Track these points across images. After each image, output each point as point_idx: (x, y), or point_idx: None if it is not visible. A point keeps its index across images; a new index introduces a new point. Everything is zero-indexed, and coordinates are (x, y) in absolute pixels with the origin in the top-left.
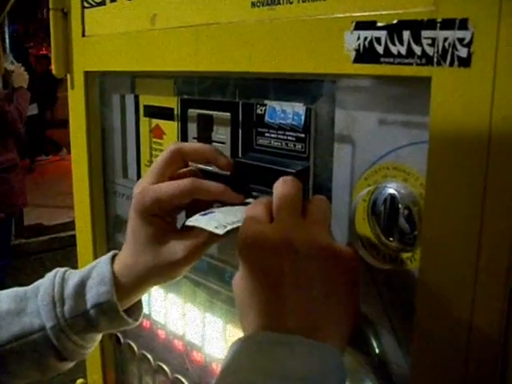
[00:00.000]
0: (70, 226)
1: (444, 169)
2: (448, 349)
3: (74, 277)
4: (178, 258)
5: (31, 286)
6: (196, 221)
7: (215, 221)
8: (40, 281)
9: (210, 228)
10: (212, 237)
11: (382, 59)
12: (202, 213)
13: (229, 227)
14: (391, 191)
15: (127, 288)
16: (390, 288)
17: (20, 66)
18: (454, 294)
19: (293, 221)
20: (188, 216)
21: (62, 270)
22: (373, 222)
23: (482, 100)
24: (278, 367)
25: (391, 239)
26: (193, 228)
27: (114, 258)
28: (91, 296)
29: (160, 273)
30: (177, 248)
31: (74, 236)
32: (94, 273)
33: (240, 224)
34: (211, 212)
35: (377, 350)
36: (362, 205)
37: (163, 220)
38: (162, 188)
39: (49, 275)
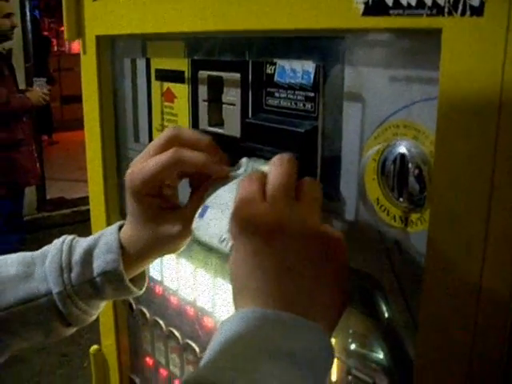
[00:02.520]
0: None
1: (454, 126)
2: (456, 312)
3: (81, 244)
4: (175, 232)
5: (38, 251)
6: (198, 228)
7: (214, 231)
8: (47, 247)
9: (215, 244)
10: None
11: (392, 11)
12: (199, 212)
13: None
14: (401, 150)
15: (132, 258)
16: (399, 249)
17: (46, 89)
18: (464, 254)
19: (287, 203)
20: (191, 184)
21: (70, 237)
22: (382, 182)
23: (494, 51)
24: (268, 342)
25: (401, 199)
26: (187, 201)
27: (120, 228)
28: (98, 264)
29: (161, 246)
30: (170, 225)
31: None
32: (101, 241)
33: None
34: (205, 208)
35: (386, 314)
36: (372, 164)
37: (157, 197)
38: (146, 167)
39: (56, 242)
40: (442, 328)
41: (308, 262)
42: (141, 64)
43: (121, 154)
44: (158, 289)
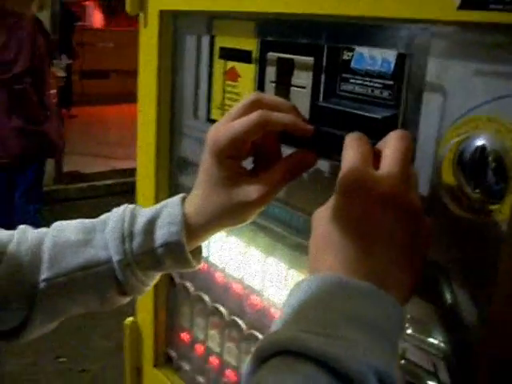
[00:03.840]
0: (107, 175)
1: None
2: None
3: (143, 214)
4: (252, 199)
5: (98, 218)
6: None
7: None
8: (107, 214)
9: None
10: (285, 179)
11: (492, 6)
12: None
13: None
14: (481, 142)
15: (196, 230)
16: (469, 238)
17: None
18: None
19: (403, 178)
20: (256, 164)
21: (131, 206)
22: (458, 173)
23: None
24: (350, 310)
25: (477, 191)
26: (265, 170)
27: (183, 200)
28: (161, 235)
29: (232, 214)
30: (250, 189)
31: (109, 185)
32: (164, 212)
33: None
34: None
35: (448, 300)
36: (449, 155)
37: (237, 162)
38: (234, 125)
39: (117, 210)
40: None
41: (402, 238)
42: (205, 41)
43: (175, 130)
44: (203, 265)
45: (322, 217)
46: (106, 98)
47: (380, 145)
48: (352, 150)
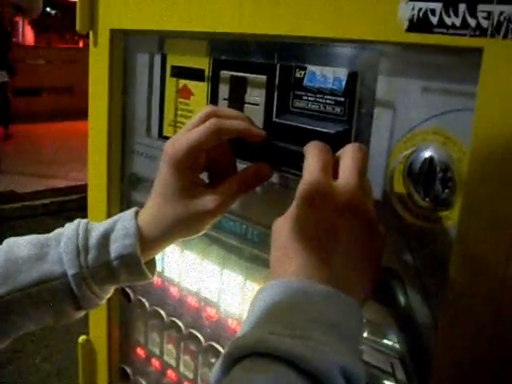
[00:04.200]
0: (44, 194)
1: (489, 136)
2: (480, 306)
3: (97, 228)
4: (208, 208)
5: (51, 233)
6: None
7: None
8: (60, 229)
9: None
10: (241, 189)
11: (436, 29)
12: None
13: None
14: (429, 154)
15: (151, 242)
16: (421, 244)
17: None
18: (491, 251)
19: (360, 188)
20: (211, 177)
21: (85, 220)
22: (408, 183)
23: None
24: (315, 313)
25: (426, 199)
26: (221, 182)
27: (136, 213)
28: (115, 248)
29: (187, 225)
30: (207, 200)
31: (46, 205)
32: (118, 226)
33: None
34: None
35: (402, 304)
36: (399, 167)
37: (194, 173)
38: (191, 135)
39: (70, 225)
40: (464, 321)
41: (358, 245)
42: (156, 59)
43: (127, 147)
44: (157, 280)
45: (282, 226)
46: (37, 115)
47: (337, 156)
48: (313, 159)
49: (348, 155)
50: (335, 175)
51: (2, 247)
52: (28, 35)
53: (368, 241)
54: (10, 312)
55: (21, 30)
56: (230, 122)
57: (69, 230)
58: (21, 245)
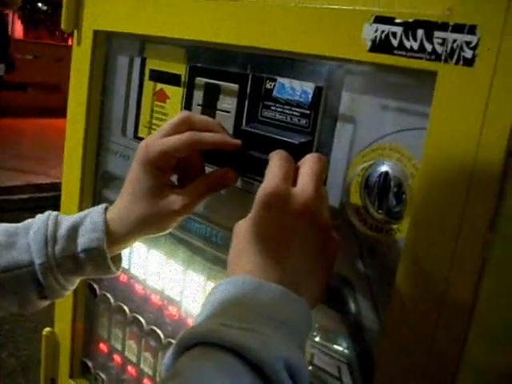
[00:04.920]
0: (22, 189)
1: (438, 153)
2: (422, 314)
3: (66, 220)
4: (175, 208)
5: (21, 223)
6: None
7: None
8: (30, 220)
9: None
10: (207, 191)
11: (396, 51)
12: None
13: None
14: (385, 168)
15: (118, 237)
16: (372, 254)
17: None
18: (433, 263)
19: (317, 196)
20: (180, 179)
21: (55, 212)
22: (364, 195)
23: (479, 95)
24: (265, 309)
25: (380, 211)
26: (187, 182)
27: (106, 209)
28: (83, 240)
29: (154, 223)
30: (174, 199)
31: (24, 200)
32: (87, 220)
33: None
34: None
35: (353, 310)
36: (357, 179)
37: (164, 174)
38: (165, 142)
39: (41, 216)
40: (407, 328)
41: (312, 250)
42: (136, 62)
43: (102, 145)
44: (123, 276)
45: (241, 228)
46: (22, 110)
47: (299, 164)
48: (275, 166)
49: (307, 164)
50: (295, 183)
51: None
52: (17, 30)
53: (321, 246)
54: None
55: (10, 24)
56: (206, 136)
57: (39, 221)
58: None
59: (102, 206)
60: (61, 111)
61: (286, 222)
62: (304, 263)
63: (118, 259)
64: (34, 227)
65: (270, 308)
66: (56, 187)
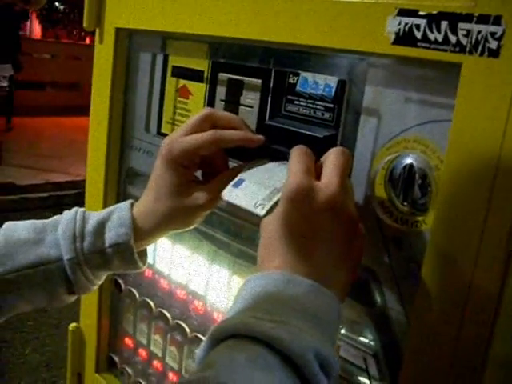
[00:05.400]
0: (42, 187)
1: (464, 145)
2: (448, 306)
3: (93, 216)
4: (199, 203)
5: (49, 219)
6: (231, 196)
7: (250, 198)
8: (58, 216)
9: (250, 208)
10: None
11: (419, 44)
12: (233, 183)
13: (267, 206)
14: (410, 160)
15: (144, 232)
16: (398, 247)
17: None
18: (459, 255)
19: (341, 190)
20: (205, 175)
21: (82, 209)
22: (389, 188)
23: (505, 87)
24: (295, 303)
25: (405, 204)
26: (212, 178)
27: (132, 205)
28: (110, 236)
29: (178, 218)
30: (199, 195)
31: (43, 198)
32: (114, 215)
33: (275, 198)
34: (241, 181)
35: (379, 302)
36: (381, 172)
37: (188, 171)
38: (188, 140)
39: (68, 212)
40: (433, 319)
41: (339, 244)
42: (158, 59)
43: (125, 142)
44: (148, 271)
45: (270, 223)
46: (41, 110)
47: (322, 159)
48: (297, 161)
49: (331, 158)
50: (319, 177)
51: (1, 230)
52: (35, 29)
53: (348, 239)
54: (6, 291)
55: (28, 23)
56: (229, 134)
57: (67, 217)
58: (19, 228)
59: (128, 202)
60: (77, 109)
61: (313, 218)
62: (331, 257)
63: (144, 254)
64: (63, 223)
65: (301, 302)
66: (76, 185)
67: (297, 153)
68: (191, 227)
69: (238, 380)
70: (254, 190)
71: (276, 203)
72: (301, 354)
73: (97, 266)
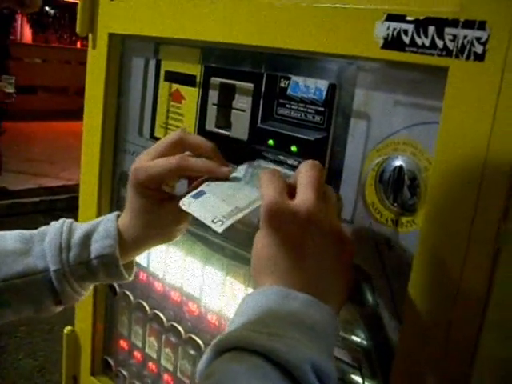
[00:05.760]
0: (35, 192)
1: (451, 147)
2: (437, 305)
3: (80, 228)
4: (172, 219)
5: (37, 230)
6: (189, 205)
7: (210, 211)
8: (45, 227)
9: (208, 222)
10: None
11: (407, 48)
12: (194, 193)
13: (226, 223)
14: (399, 162)
15: (129, 245)
16: (389, 247)
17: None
18: (449, 254)
19: (319, 202)
20: (190, 184)
21: (69, 220)
22: (379, 189)
23: (490, 89)
24: (292, 316)
25: (395, 205)
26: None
27: (118, 217)
28: (96, 247)
29: (157, 234)
30: (170, 210)
31: (36, 203)
32: (100, 227)
33: (236, 217)
34: (202, 192)
35: (370, 301)
36: (371, 173)
37: (157, 191)
38: (153, 166)
39: (55, 223)
40: (423, 318)
41: (328, 255)
42: (151, 64)
43: (119, 146)
44: (142, 275)
45: (259, 237)
46: (32, 114)
47: (294, 176)
48: (267, 185)
49: (302, 173)
50: (295, 196)
51: None
52: (26, 34)
53: (336, 249)
54: None
55: (19, 28)
56: (196, 162)
57: (54, 228)
58: (7, 239)
59: (114, 214)
60: (69, 114)
61: (294, 236)
62: (323, 270)
63: (130, 265)
64: (50, 234)
65: (298, 315)
66: (68, 189)
67: (266, 177)
68: (175, 239)
69: None
70: (214, 205)
71: (236, 222)
72: (297, 366)
73: (82, 277)
